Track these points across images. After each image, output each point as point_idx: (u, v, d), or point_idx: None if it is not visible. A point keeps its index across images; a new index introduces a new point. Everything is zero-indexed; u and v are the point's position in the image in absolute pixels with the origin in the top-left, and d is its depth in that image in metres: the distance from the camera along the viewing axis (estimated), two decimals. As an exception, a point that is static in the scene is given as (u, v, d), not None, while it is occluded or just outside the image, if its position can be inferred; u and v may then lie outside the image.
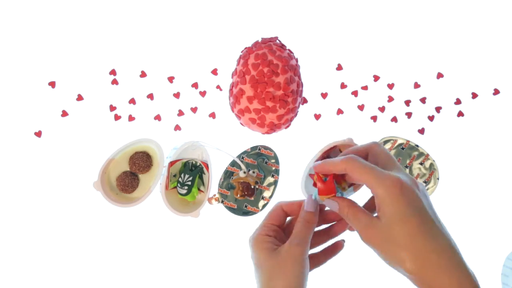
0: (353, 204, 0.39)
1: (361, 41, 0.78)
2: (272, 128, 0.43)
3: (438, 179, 0.72)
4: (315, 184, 0.72)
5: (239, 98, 0.42)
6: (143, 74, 0.76)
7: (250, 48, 0.44)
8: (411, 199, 0.35)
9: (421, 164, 0.72)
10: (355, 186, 0.70)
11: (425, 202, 0.36)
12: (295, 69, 0.43)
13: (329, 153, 0.69)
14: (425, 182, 0.71)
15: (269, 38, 0.45)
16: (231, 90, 0.44)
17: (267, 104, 0.41)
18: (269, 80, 0.41)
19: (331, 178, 0.62)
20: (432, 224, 0.35)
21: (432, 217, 0.35)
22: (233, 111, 0.45)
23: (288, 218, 0.47)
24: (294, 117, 0.44)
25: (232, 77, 0.44)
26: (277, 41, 0.45)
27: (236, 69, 0.44)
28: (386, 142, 0.74)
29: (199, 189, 0.73)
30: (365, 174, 0.36)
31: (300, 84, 0.44)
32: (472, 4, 0.78)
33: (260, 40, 0.46)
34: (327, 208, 0.46)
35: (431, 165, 0.72)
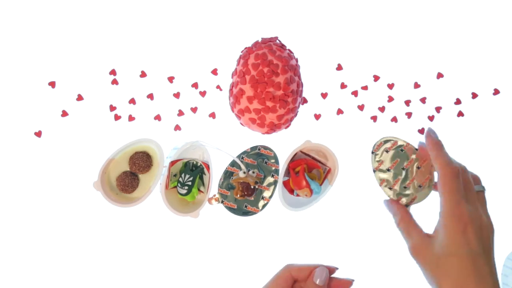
0: (408, 218, 0.41)
1: (361, 41, 0.78)
2: (272, 128, 0.43)
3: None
4: (291, 192, 0.73)
5: (239, 98, 0.43)
6: (143, 74, 0.76)
7: (250, 48, 0.44)
8: (470, 240, 0.36)
9: (418, 168, 0.72)
10: (329, 178, 0.71)
11: (482, 243, 0.37)
12: (295, 69, 0.43)
13: (296, 164, 0.70)
14: (419, 186, 0.72)
15: (269, 38, 0.45)
16: (231, 90, 0.45)
17: (267, 104, 0.41)
18: (269, 80, 0.41)
19: (301, 171, 0.64)
20: (483, 266, 0.36)
21: (485, 260, 0.37)
22: (233, 111, 0.45)
23: None
24: (294, 117, 0.44)
25: (232, 77, 0.45)
26: (277, 41, 0.45)
27: (236, 69, 0.44)
28: (386, 142, 0.74)
29: (199, 190, 0.73)
30: (448, 194, 0.37)
31: (300, 84, 0.44)
32: (472, 4, 0.78)
33: (260, 40, 0.46)
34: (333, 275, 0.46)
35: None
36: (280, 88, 0.42)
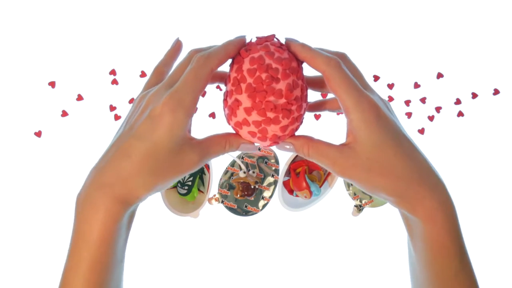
0: (311, 139, 0.35)
1: (361, 41, 0.78)
2: (276, 141, 0.38)
3: None
4: (291, 192, 0.73)
5: (235, 109, 0.37)
6: (143, 74, 0.76)
7: (244, 50, 0.38)
8: (387, 124, 0.33)
9: None
10: (329, 180, 0.71)
11: (399, 124, 0.34)
12: (297, 72, 0.37)
13: (297, 165, 0.71)
14: None
15: (265, 37, 0.38)
16: (225, 100, 0.39)
17: (268, 115, 0.36)
18: (268, 87, 0.36)
19: (302, 173, 0.65)
20: (409, 145, 0.34)
21: (408, 138, 0.34)
22: (229, 123, 0.40)
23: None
24: (300, 125, 0.39)
25: (226, 85, 0.39)
26: (275, 39, 0.40)
27: (229, 75, 0.38)
28: None
29: (198, 190, 0.73)
30: (344, 89, 0.32)
31: (304, 88, 0.38)
32: (472, 4, 0.78)
33: (254, 39, 0.39)
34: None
35: None
36: (282, 96, 0.36)
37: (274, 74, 0.36)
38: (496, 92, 0.77)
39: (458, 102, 0.77)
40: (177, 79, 0.34)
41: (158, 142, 0.31)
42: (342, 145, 0.34)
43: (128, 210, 0.32)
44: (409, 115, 0.77)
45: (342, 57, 0.36)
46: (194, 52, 0.36)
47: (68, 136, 0.74)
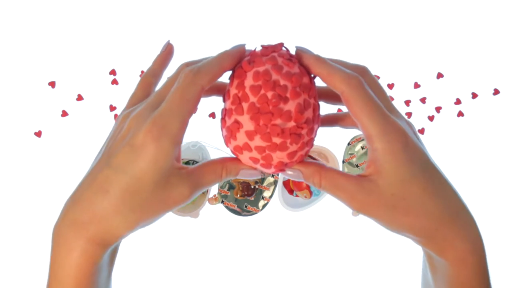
0: (323, 167, 0.30)
1: (361, 41, 0.78)
2: (282, 168, 0.31)
3: None
4: (291, 192, 0.72)
5: (235, 132, 0.31)
6: (143, 74, 0.76)
7: (246, 62, 0.31)
8: (416, 155, 0.28)
9: (362, 148, 0.71)
10: None
11: (427, 153, 0.30)
12: (310, 89, 0.31)
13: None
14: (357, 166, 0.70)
15: (272, 47, 0.33)
16: (223, 119, 0.33)
17: (274, 140, 0.30)
18: (275, 108, 0.30)
19: None
20: (440, 179, 0.29)
21: (438, 170, 0.30)
22: (227, 146, 0.33)
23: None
24: (310, 149, 0.32)
25: (224, 102, 0.32)
26: (283, 49, 0.33)
27: (228, 91, 0.32)
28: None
29: (199, 189, 0.73)
30: (367, 114, 0.28)
31: (317, 108, 0.33)
32: (472, 4, 0.78)
33: (259, 49, 0.32)
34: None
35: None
36: (290, 119, 0.30)
37: (282, 93, 0.30)
38: (496, 92, 0.77)
39: (458, 102, 0.77)
40: (163, 98, 0.29)
41: (141, 176, 0.27)
42: (361, 176, 0.29)
43: (108, 250, 0.29)
44: (409, 115, 0.77)
45: (363, 72, 0.31)
46: (184, 66, 0.31)
47: (68, 136, 0.74)
